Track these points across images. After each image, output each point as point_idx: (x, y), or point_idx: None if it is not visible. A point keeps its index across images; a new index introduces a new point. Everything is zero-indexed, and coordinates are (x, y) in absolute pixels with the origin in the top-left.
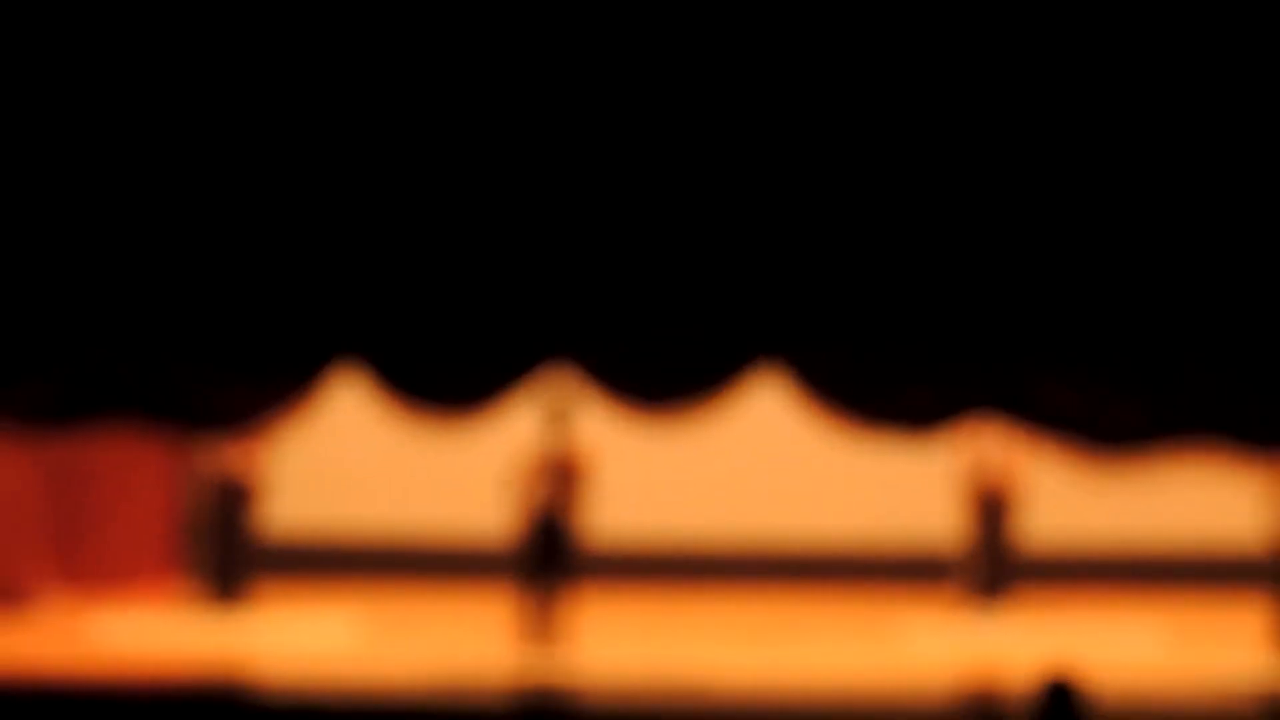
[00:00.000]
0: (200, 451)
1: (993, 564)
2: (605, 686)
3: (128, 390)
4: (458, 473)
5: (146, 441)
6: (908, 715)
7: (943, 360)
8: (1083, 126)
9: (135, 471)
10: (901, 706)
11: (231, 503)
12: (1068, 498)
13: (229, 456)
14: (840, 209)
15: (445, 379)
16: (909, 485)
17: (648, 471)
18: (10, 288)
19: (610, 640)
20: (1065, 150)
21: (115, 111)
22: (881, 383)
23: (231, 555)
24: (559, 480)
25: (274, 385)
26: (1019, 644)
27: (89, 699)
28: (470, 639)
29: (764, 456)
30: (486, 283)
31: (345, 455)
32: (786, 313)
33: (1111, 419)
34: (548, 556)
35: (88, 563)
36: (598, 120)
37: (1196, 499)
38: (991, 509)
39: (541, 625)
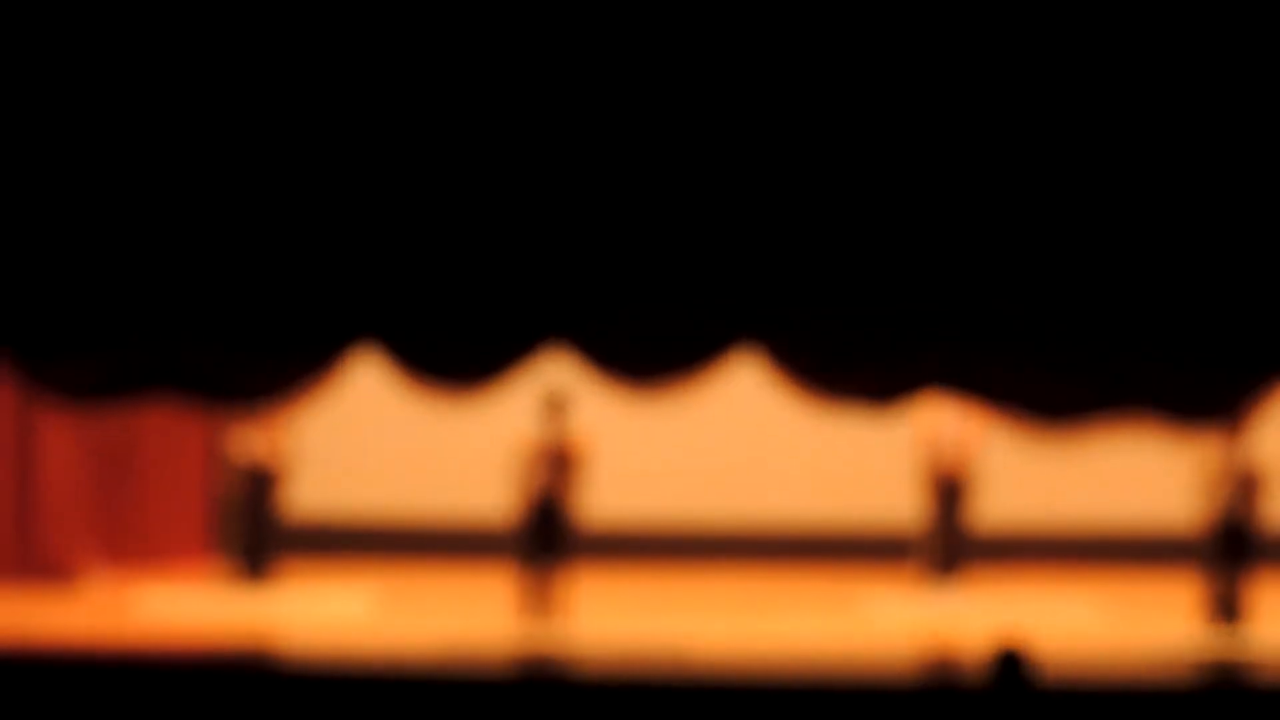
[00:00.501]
0: (231, 438)
1: (948, 542)
2: (598, 656)
3: (165, 368)
4: (463, 459)
5: (184, 428)
6: (871, 682)
7: (898, 340)
8: (1024, 117)
9: (173, 459)
10: (865, 674)
11: (259, 487)
12: (1018, 481)
13: (257, 444)
14: (810, 201)
15: (453, 357)
16: (872, 470)
17: (637, 458)
18: (56, 271)
19: (602, 614)
20: (1012, 142)
21: (150, 99)
22: (844, 360)
23: (259, 535)
24: (555, 466)
25: (296, 364)
26: (972, 617)
27: (131, 668)
28: (475, 613)
29: (741, 446)
30: (489, 268)
31: (362, 444)
32: (762, 296)
33: (1051, 395)
34: (545, 537)
35: (131, 542)
36: (592, 113)
37: (1134, 483)
38: (947, 491)
39: (539, 600)
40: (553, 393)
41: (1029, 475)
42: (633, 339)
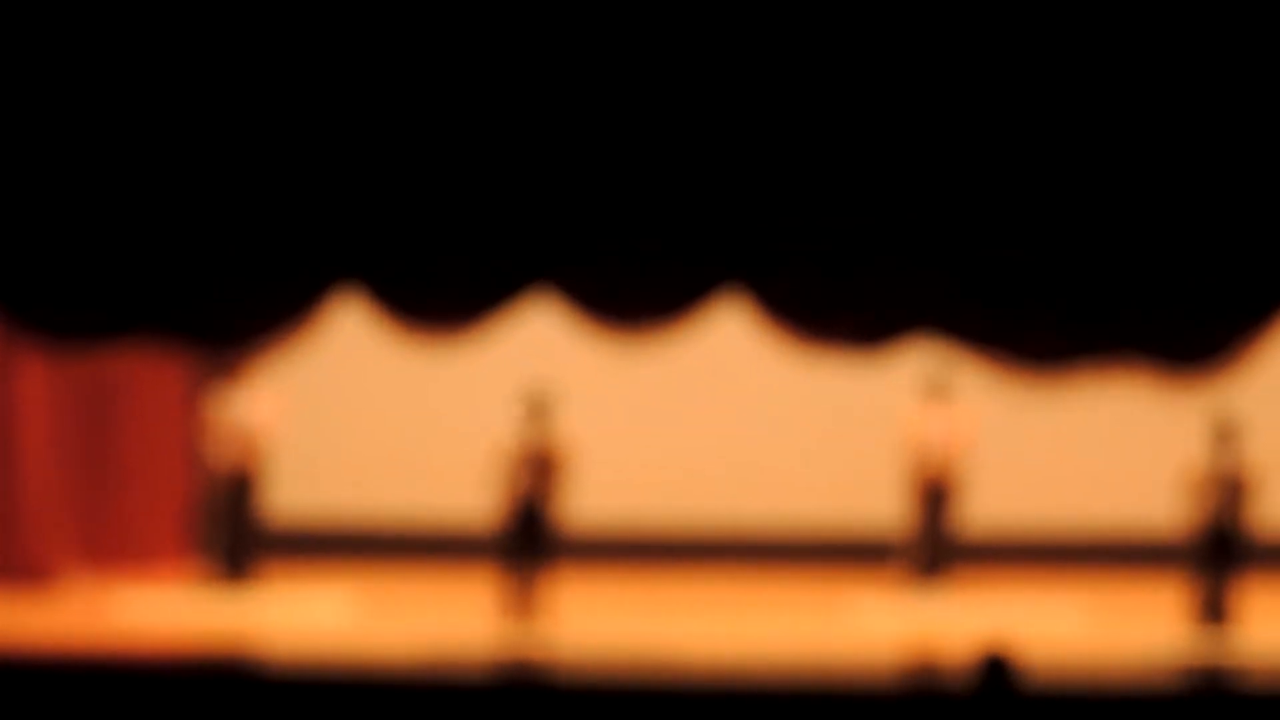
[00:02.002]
0: (211, 440)
1: (934, 546)
2: (580, 659)
3: (148, 308)
4: (445, 462)
5: (164, 429)
6: (855, 687)
7: (883, 283)
8: (1011, 62)
9: (153, 461)
10: (849, 678)
11: (239, 489)
12: (1004, 484)
13: (237, 445)
14: (796, 144)
15: (437, 300)
16: (857, 473)
17: (621, 461)
18: (39, 211)
19: (585, 617)
20: (999, 86)
21: (131, 47)
22: (829, 302)
23: (239, 538)
24: (538, 468)
25: (279, 304)
26: (958, 621)
27: (110, 672)
28: (456, 616)
29: (726, 449)
30: (473, 210)
31: (343, 446)
32: (747, 238)
33: (1038, 339)
34: (528, 540)
35: (110, 544)
36: (578, 56)
37: (1121, 486)
38: (933, 495)
39: (522, 603)
40: (535, 395)
41: (1015, 478)
42: (618, 282)
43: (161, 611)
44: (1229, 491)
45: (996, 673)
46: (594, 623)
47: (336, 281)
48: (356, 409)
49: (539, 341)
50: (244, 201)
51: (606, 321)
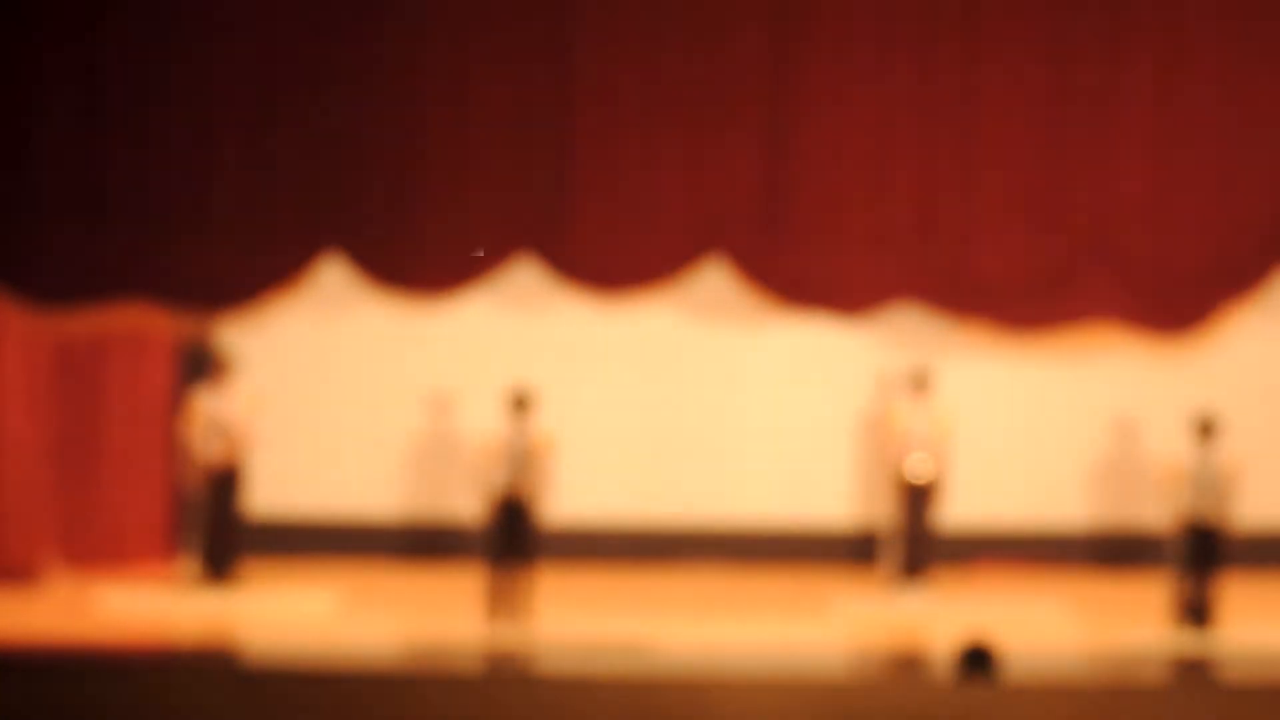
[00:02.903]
0: (194, 438)
1: (917, 542)
2: (563, 654)
3: (137, 269)
4: (428, 459)
5: (147, 426)
6: (838, 679)
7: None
8: None
9: (135, 459)
10: (832, 671)
11: (222, 486)
12: (987, 481)
13: (220, 443)
14: None
15: (418, 265)
16: (841, 470)
17: (605, 457)
18: (27, 171)
19: (568, 613)
20: None
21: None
22: (812, 267)
23: (222, 535)
24: (520, 464)
25: (267, 264)
26: (940, 616)
27: (93, 666)
28: (440, 612)
29: (711, 446)
30: (454, 182)
31: (326, 443)
32: (730, 207)
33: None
34: (510, 536)
35: (92, 542)
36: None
37: (1104, 483)
38: (916, 492)
39: (505, 599)
40: (518, 391)
41: (998, 475)
42: (601, 251)
43: (144, 608)
44: (1211, 490)
45: (978, 662)
46: (576, 618)
47: (319, 245)
48: (334, 405)
49: (518, 339)
50: (236, 166)
51: (592, 288)
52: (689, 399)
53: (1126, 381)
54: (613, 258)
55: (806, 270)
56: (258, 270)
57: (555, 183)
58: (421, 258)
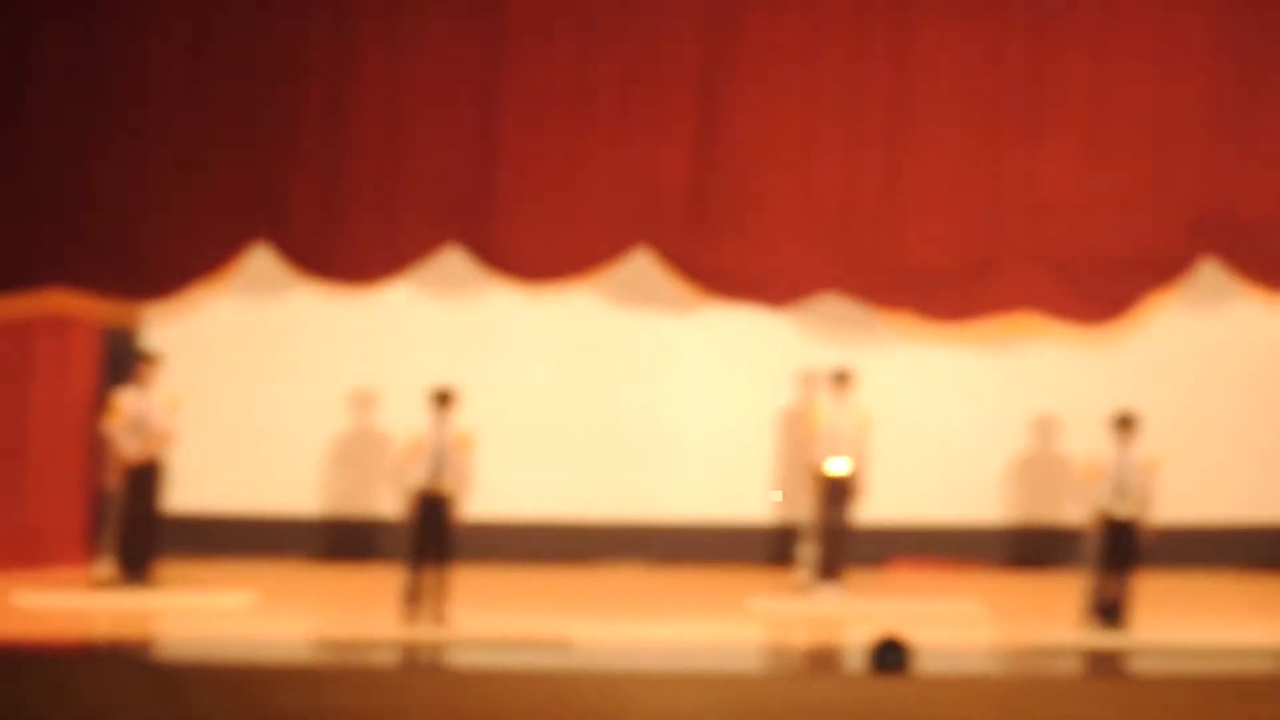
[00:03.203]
0: (114, 437)
1: (835, 540)
2: (479, 650)
3: (62, 258)
4: (348, 455)
5: (66, 430)
6: (757, 671)
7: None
8: None
9: (55, 459)
10: (751, 664)
11: (141, 485)
12: (905, 478)
13: (139, 442)
14: None
15: (342, 255)
16: (763, 470)
17: (525, 455)
18: None
19: (485, 610)
20: None
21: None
22: (738, 258)
23: (141, 534)
24: (441, 461)
25: (193, 255)
26: (857, 612)
27: (7, 661)
28: (358, 609)
29: (631, 447)
30: (382, 170)
31: (244, 442)
32: (657, 199)
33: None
34: (430, 533)
35: (11, 544)
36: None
37: (1022, 481)
38: (835, 492)
39: (423, 596)
40: (440, 388)
41: (917, 473)
42: (530, 241)
43: (61, 605)
44: (1127, 486)
45: (891, 655)
46: (494, 616)
47: (247, 236)
48: (254, 402)
49: (441, 336)
50: (156, 160)
51: (522, 277)
52: (609, 398)
53: (1045, 379)
54: (538, 248)
55: (733, 261)
56: (184, 260)
57: (482, 174)
58: (348, 247)
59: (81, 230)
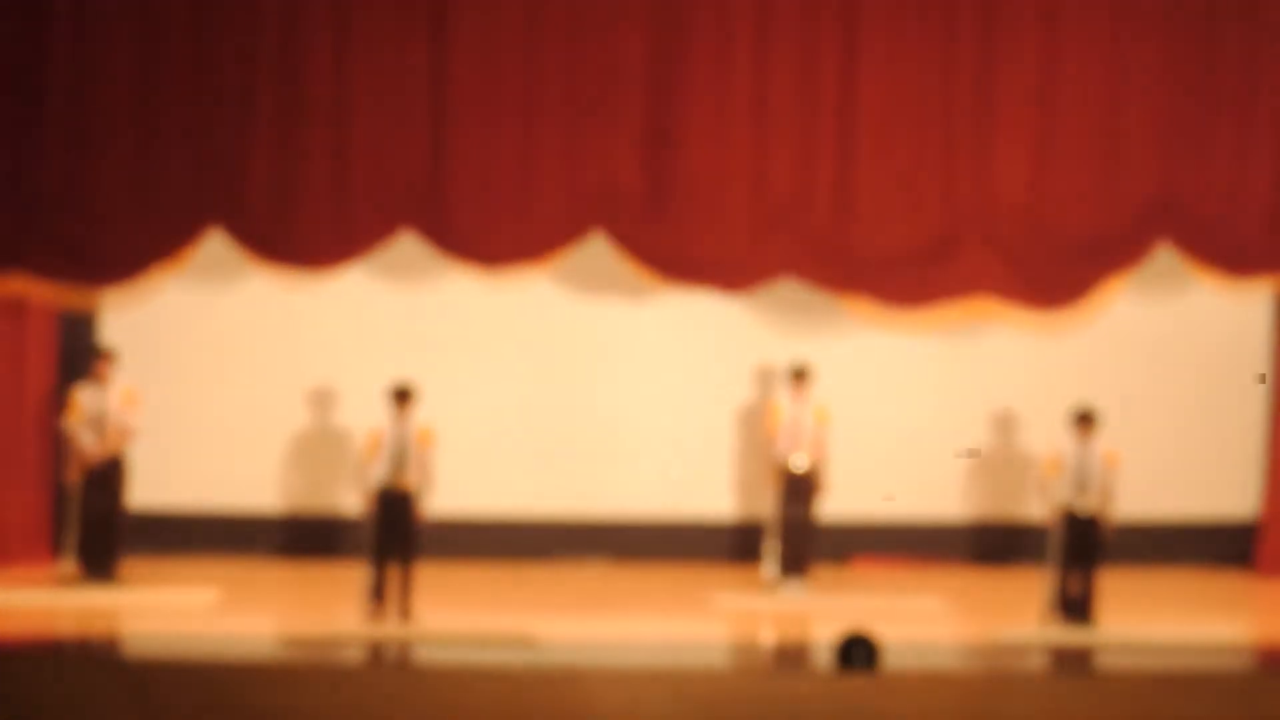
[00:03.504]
0: (74, 434)
1: (798, 536)
2: (442, 647)
3: (18, 243)
4: (309, 452)
5: (26, 430)
6: (722, 668)
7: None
8: None
9: (16, 458)
10: (716, 661)
11: (102, 483)
12: (865, 478)
13: (100, 440)
14: None
15: (297, 240)
16: (724, 467)
17: (487, 452)
18: None
19: (448, 607)
20: None
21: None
22: (694, 244)
23: (103, 532)
24: (401, 458)
25: (149, 240)
26: (821, 608)
27: None
28: (320, 606)
29: (594, 444)
30: (336, 155)
31: (207, 438)
32: (611, 184)
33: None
34: (391, 530)
35: None
36: None
37: (987, 478)
38: (797, 488)
39: (385, 593)
40: (400, 384)
41: (879, 469)
42: (494, 230)
43: (23, 603)
44: (1088, 481)
45: (858, 650)
46: (457, 612)
47: (202, 222)
48: (215, 399)
49: (404, 333)
50: (111, 145)
51: (480, 263)
52: (570, 393)
53: (1004, 374)
54: (493, 234)
55: (688, 247)
56: (140, 245)
57: (435, 159)
58: (303, 232)
59: (36, 215)
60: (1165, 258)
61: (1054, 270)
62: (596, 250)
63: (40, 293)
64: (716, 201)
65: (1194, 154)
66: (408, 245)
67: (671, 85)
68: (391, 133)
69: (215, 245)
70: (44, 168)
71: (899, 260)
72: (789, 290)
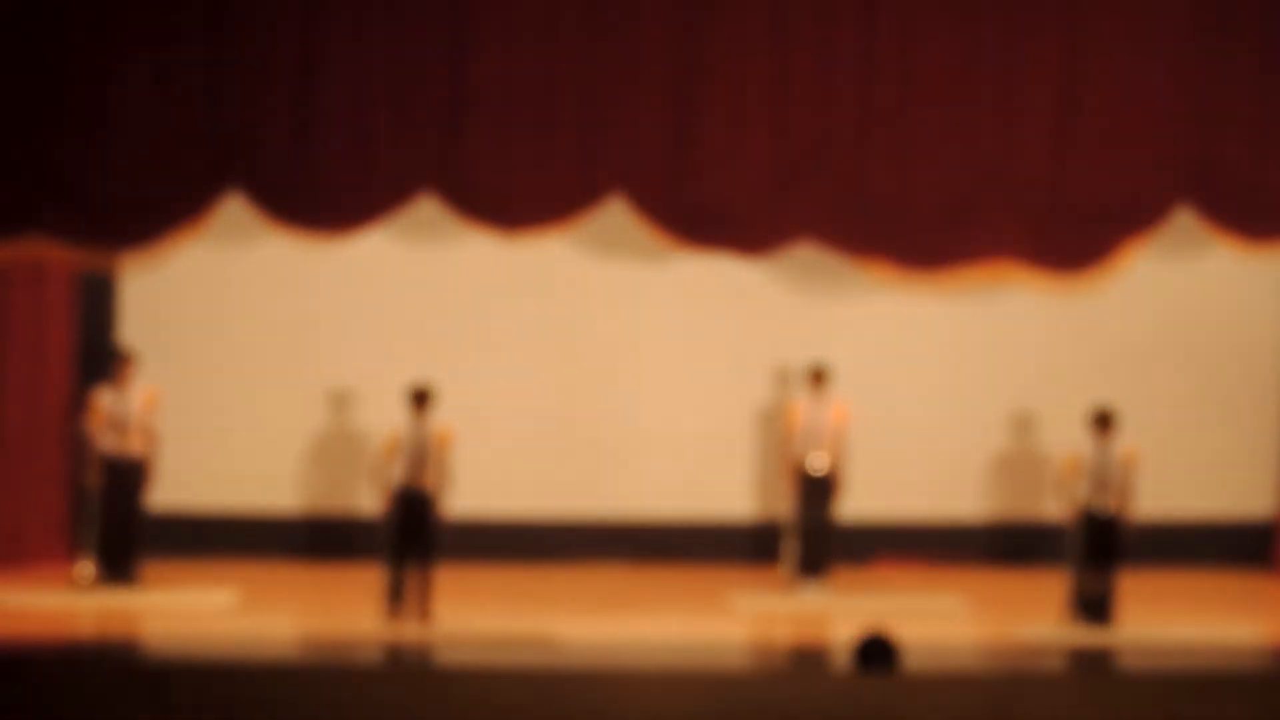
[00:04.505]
0: (94, 433)
1: (817, 537)
2: (462, 649)
3: (49, 208)
4: (328, 453)
5: (46, 431)
6: (741, 669)
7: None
8: None
9: (36, 459)
10: (735, 662)
11: (122, 484)
12: (884, 478)
13: (120, 438)
14: None
15: (316, 201)
16: (743, 467)
17: (506, 453)
18: None
19: (468, 608)
20: None
21: None
22: (713, 203)
23: (122, 533)
24: (420, 459)
25: (168, 202)
26: (841, 609)
27: None
28: (340, 607)
29: (612, 445)
30: (355, 121)
31: (227, 439)
32: (631, 144)
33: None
34: (410, 531)
35: None
36: None
37: (1003, 477)
38: (816, 489)
39: (405, 594)
40: (419, 385)
41: (897, 469)
42: (502, 189)
43: (43, 605)
44: (1107, 481)
45: (877, 651)
46: (477, 614)
47: (222, 186)
48: (234, 401)
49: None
50: (130, 107)
51: (492, 225)
52: (589, 394)
53: (1023, 376)
54: (512, 192)
55: (708, 206)
56: (158, 207)
57: (454, 117)
58: (321, 193)
59: (55, 177)
60: (1186, 259)
61: (1074, 234)
62: (618, 246)
63: (58, 256)
64: (736, 158)
65: (1218, 115)
66: (426, 241)
67: (693, 39)
68: (411, 92)
69: (228, 245)
70: (62, 129)
71: (918, 221)
72: (807, 288)
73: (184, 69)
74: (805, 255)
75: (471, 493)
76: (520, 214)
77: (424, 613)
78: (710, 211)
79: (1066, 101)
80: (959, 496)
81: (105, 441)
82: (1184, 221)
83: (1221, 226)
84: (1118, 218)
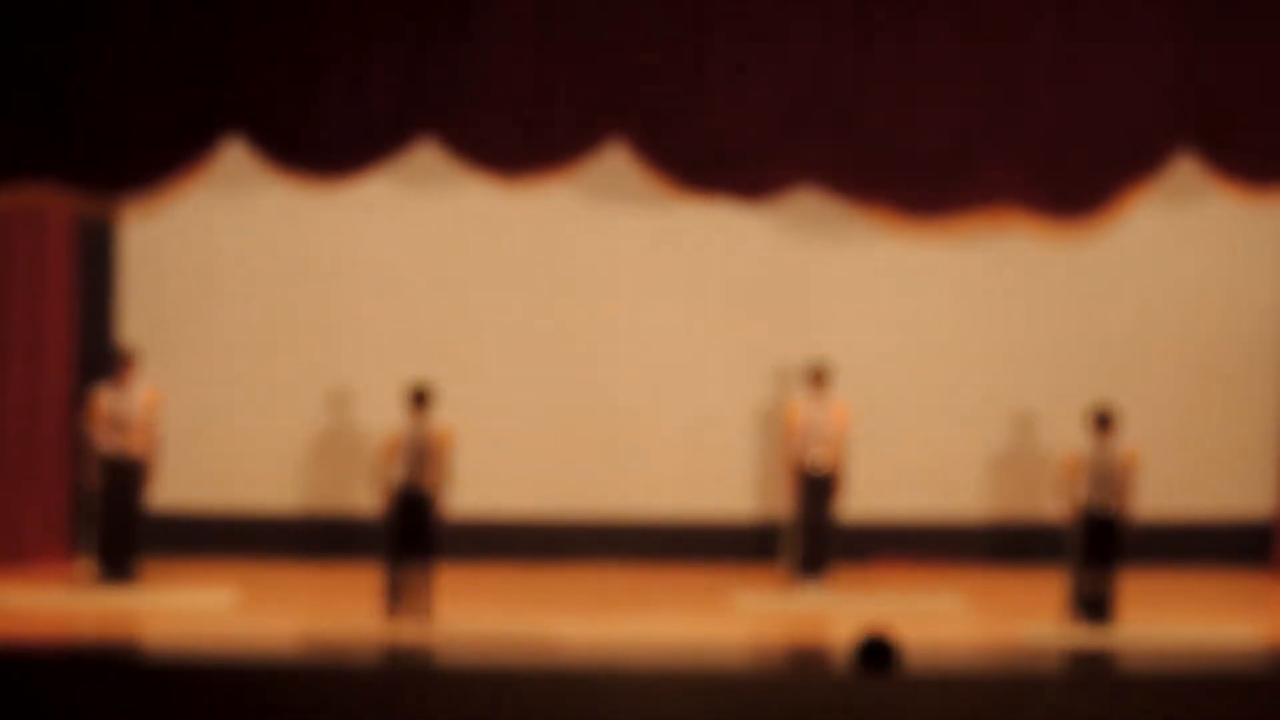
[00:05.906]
0: (94, 431)
1: (817, 535)
2: (462, 649)
3: (50, 153)
4: (328, 453)
5: (46, 430)
6: (741, 670)
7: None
8: None
9: (35, 458)
10: (735, 662)
11: (122, 483)
12: (884, 478)
13: (120, 437)
14: None
15: (316, 145)
16: (743, 466)
17: (504, 450)
18: None
19: (468, 609)
20: None
21: None
22: (714, 146)
23: (122, 532)
24: (420, 458)
25: (169, 146)
26: (841, 609)
27: None
28: (340, 607)
29: (612, 444)
30: (358, 63)
31: (226, 438)
32: (631, 86)
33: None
34: (410, 530)
35: None
36: None
37: (1005, 476)
38: (816, 488)
39: (405, 594)
40: (418, 385)
41: (897, 469)
42: (502, 131)
43: (42, 604)
44: (1107, 480)
45: (878, 652)
46: (477, 614)
47: (223, 129)
48: (240, 397)
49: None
50: (130, 51)
51: (491, 170)
52: (588, 392)
53: (1023, 375)
54: (512, 136)
55: (708, 149)
56: (159, 150)
57: (452, 61)
58: (322, 136)
59: (54, 120)
60: (1187, 258)
61: (1076, 178)
62: (619, 240)
63: (60, 204)
64: (739, 98)
65: (1220, 56)
66: (426, 239)
67: None
68: (410, 33)
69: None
70: (64, 71)
71: (920, 165)
72: (805, 284)
73: (185, 11)
74: (809, 245)
75: (471, 492)
76: (520, 159)
77: (424, 612)
78: (712, 155)
79: (1068, 42)
80: (959, 496)
81: (105, 441)
82: (1184, 220)
83: (1223, 172)
84: (1119, 161)
